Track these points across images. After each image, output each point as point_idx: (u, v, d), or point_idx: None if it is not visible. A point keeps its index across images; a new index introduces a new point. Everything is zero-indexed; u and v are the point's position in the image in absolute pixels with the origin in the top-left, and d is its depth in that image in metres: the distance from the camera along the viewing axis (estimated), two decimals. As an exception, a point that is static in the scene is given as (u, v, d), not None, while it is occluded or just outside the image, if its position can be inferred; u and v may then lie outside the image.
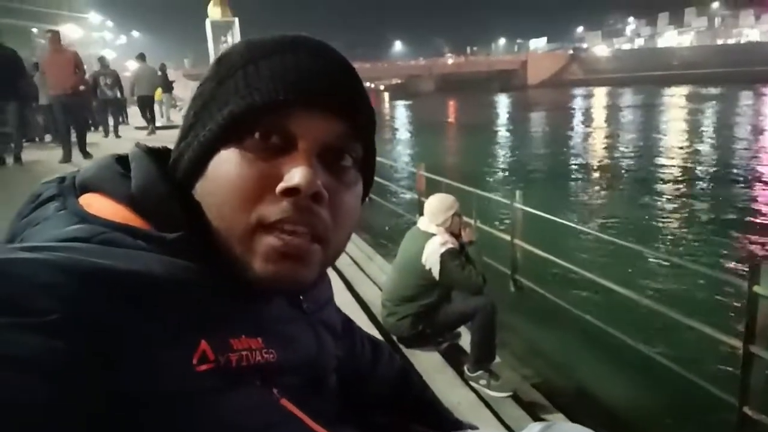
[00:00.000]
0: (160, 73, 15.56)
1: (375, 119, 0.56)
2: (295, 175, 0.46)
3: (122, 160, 0.54)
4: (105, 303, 0.38)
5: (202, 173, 0.50)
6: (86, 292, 0.37)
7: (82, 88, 8.80)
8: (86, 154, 8.54)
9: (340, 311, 0.76)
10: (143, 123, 12.55)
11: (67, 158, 8.19)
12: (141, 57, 12.46)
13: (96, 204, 0.48)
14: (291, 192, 0.46)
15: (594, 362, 4.18)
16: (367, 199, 0.60)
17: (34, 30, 33.96)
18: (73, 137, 8.61)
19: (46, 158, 8.68)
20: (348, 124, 0.51)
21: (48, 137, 11.49)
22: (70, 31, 40.50)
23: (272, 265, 0.47)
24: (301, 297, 0.58)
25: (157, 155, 0.55)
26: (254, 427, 0.44)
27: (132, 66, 17.22)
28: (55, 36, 8.18)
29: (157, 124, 13.00)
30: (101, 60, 12.80)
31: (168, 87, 15.60)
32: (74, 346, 0.34)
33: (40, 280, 0.36)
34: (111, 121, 12.56)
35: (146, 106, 12.31)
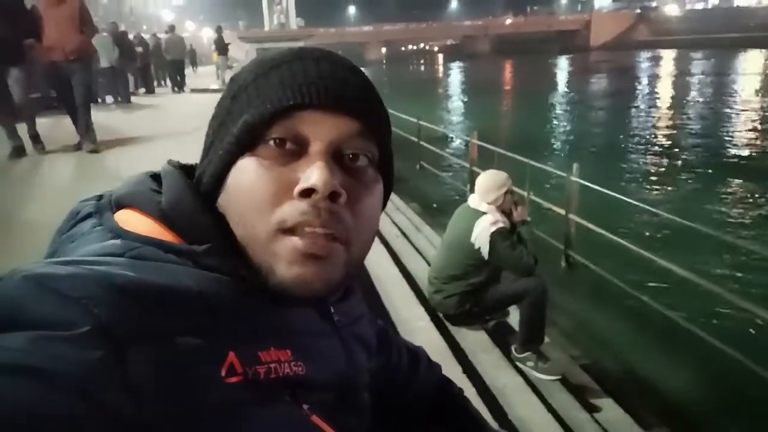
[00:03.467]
0: (216, 35, 16.39)
1: (389, 120, 0.56)
2: (311, 175, 0.47)
3: (156, 177, 0.56)
4: (136, 315, 0.39)
5: (223, 186, 0.51)
6: (119, 305, 0.39)
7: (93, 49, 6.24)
8: (90, 137, 5.93)
9: (376, 322, 0.75)
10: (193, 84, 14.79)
11: (86, 141, 5.90)
12: (171, 29, 15.39)
13: (130, 220, 0.50)
14: (308, 192, 0.47)
15: (648, 345, 4.04)
16: (388, 194, 0.60)
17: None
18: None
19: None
20: (359, 124, 0.51)
21: (109, 98, 11.52)
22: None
23: (296, 267, 0.47)
24: (332, 309, 0.58)
25: (188, 171, 0.56)
26: None
27: (190, 27, 18.69)
28: None
29: (214, 86, 14.66)
30: (165, 33, 15.80)
31: (223, 49, 15.91)
32: (104, 358, 0.36)
33: (74, 293, 0.38)
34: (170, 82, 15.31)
35: (176, 69, 14.69)
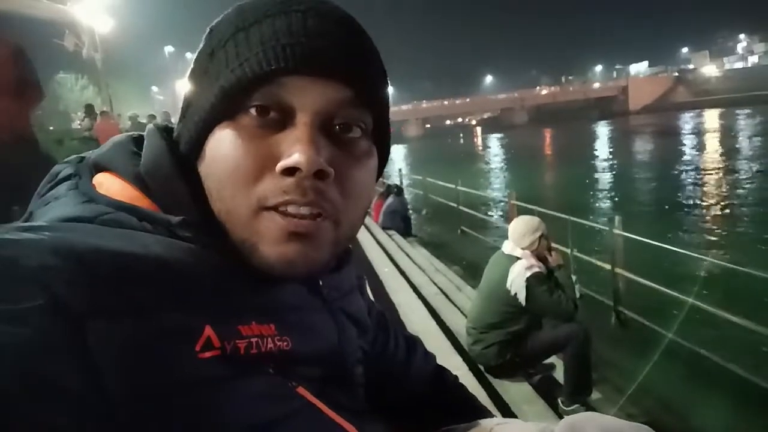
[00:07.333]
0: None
1: (386, 83, 0.51)
2: (295, 153, 0.43)
3: (139, 140, 0.53)
4: (97, 286, 0.36)
5: (202, 154, 0.47)
6: (77, 276, 0.35)
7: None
8: None
9: (373, 303, 0.73)
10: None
11: None
12: None
13: (106, 183, 0.47)
14: (291, 171, 0.43)
15: (711, 403, 3.73)
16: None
17: (153, 88, 37.44)
18: None
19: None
20: (352, 90, 0.46)
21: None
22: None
23: (280, 248, 0.44)
24: (320, 283, 0.54)
25: (172, 133, 0.53)
26: (268, 416, 0.41)
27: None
28: None
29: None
30: None
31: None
32: (55, 334, 0.33)
33: (27, 262, 0.35)
34: None
35: None
